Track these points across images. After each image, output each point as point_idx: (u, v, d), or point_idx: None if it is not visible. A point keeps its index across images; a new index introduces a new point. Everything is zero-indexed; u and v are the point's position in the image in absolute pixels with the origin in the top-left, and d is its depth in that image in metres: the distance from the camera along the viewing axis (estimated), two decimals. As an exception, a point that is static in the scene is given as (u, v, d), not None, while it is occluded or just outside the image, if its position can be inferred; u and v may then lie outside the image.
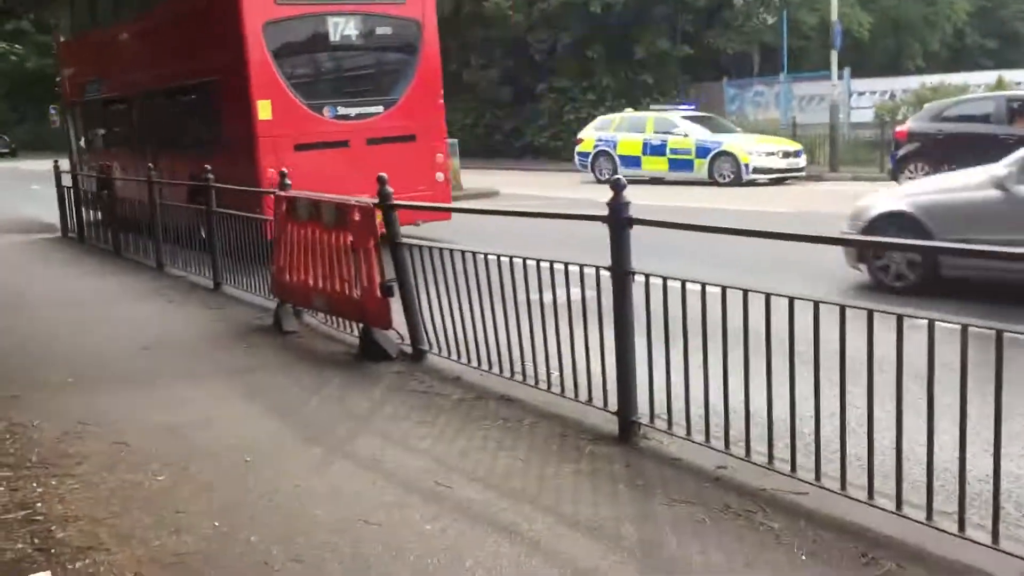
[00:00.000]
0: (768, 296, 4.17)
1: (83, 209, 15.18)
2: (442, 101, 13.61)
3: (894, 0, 34.29)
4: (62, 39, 19.66)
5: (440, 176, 13.12)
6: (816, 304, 3.96)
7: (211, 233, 9.97)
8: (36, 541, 4.04)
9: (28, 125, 59.76)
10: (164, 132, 14.52)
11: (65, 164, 15.47)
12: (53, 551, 3.94)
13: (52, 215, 16.88)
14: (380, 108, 12.87)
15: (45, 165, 22.18)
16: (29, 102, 60.92)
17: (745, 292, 4.29)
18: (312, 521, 4.15)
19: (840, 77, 25.50)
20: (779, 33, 30.27)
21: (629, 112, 25.59)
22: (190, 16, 13.19)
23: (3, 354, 7.63)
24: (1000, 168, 8.11)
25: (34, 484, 4.72)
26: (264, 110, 11.72)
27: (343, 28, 12.45)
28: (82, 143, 18.51)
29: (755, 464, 4.35)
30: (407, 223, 8.68)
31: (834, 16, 24.14)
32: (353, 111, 12.58)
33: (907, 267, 8.42)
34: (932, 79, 26.19)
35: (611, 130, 24.01)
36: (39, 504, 4.46)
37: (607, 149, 23.74)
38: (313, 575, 3.66)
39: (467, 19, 33.74)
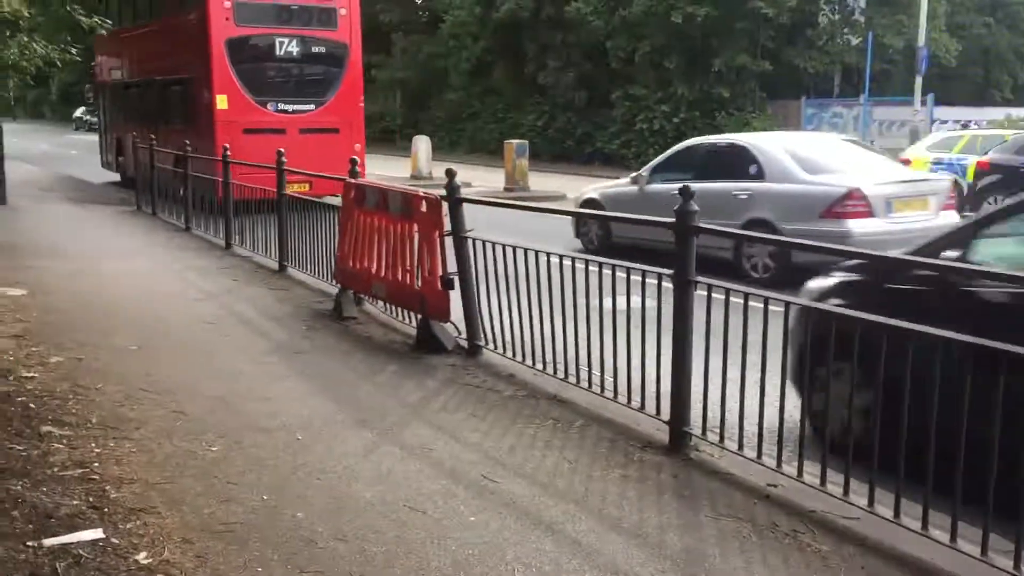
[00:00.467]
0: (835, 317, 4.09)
1: (155, 185, 15.60)
2: (362, 104, 17.81)
3: (985, 29, 33.44)
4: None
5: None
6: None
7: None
8: (91, 499, 4.16)
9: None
10: (161, 111, 18.72)
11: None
12: (106, 510, 4.04)
13: (128, 188, 17.33)
14: (312, 106, 17.13)
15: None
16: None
17: (805, 309, 4.22)
18: (358, 503, 4.19)
19: (923, 103, 24.93)
20: (863, 54, 29.70)
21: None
22: (178, 28, 17.65)
23: (74, 317, 7.86)
24: (640, 172, 12.23)
25: (92, 444, 4.85)
26: (221, 102, 16.18)
27: (287, 46, 16.88)
28: (107, 116, 23.56)
29: (806, 485, 4.28)
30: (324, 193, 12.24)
31: (921, 41, 23.65)
32: (291, 107, 16.90)
33: (595, 235, 12.44)
34: (1021, 112, 25.45)
35: None
36: (96, 464, 4.58)
37: None
38: (356, 555, 3.69)
39: (546, 22, 33.78)
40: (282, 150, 10.46)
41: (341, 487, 4.38)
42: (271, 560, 3.64)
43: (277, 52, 16.90)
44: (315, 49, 17.27)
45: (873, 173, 10.17)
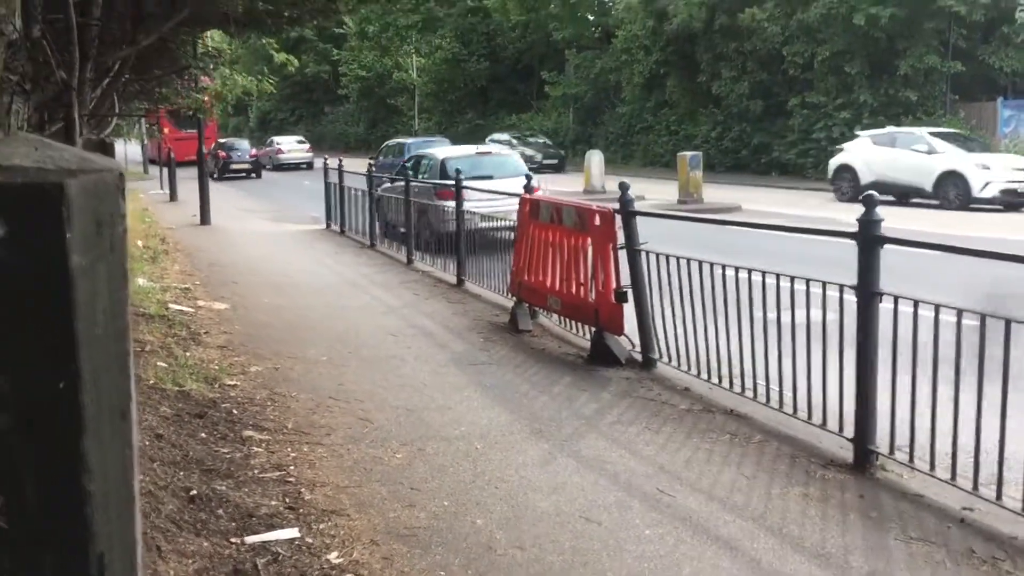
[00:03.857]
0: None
1: (343, 205, 16.42)
2: None
3: None
4: None
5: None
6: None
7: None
8: (287, 500, 4.44)
9: (303, 125, 65.30)
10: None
11: (333, 163, 16.90)
12: (301, 511, 4.31)
13: (319, 208, 18.36)
14: None
15: (316, 162, 23.94)
16: (306, 103, 66.63)
17: (1008, 322, 3.98)
18: (535, 512, 4.28)
19: None
20: (1069, 49, 27.46)
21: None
22: None
23: (270, 330, 8.41)
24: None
25: (288, 449, 5.17)
26: None
27: None
28: None
29: (1007, 509, 4.02)
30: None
31: None
32: None
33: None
34: None
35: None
36: (292, 467, 4.89)
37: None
38: (533, 563, 3.77)
39: (720, 31, 33.21)
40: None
41: (518, 496, 4.48)
42: (452, 564, 3.77)
43: None
44: None
45: (474, 172, 13.09)
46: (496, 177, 13.04)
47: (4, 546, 0.72)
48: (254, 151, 38.32)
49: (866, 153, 21.87)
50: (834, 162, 22.91)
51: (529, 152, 33.39)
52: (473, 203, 10.93)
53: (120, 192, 0.89)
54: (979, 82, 29.04)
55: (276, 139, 45.54)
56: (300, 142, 43.96)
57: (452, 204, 10.89)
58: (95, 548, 0.78)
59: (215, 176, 30.35)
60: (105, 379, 0.82)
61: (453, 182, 10.86)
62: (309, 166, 39.98)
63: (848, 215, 5.09)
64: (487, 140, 35.81)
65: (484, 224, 10.52)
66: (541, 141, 37.08)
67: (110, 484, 0.81)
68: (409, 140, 30.65)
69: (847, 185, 21.81)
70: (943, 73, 28.17)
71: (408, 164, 15.44)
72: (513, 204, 9.13)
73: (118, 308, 0.84)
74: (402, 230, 13.21)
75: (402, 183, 13.18)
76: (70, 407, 0.78)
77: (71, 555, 0.79)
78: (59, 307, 0.76)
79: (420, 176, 14.35)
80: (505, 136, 37.05)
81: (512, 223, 9.24)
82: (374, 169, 15.91)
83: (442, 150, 16.96)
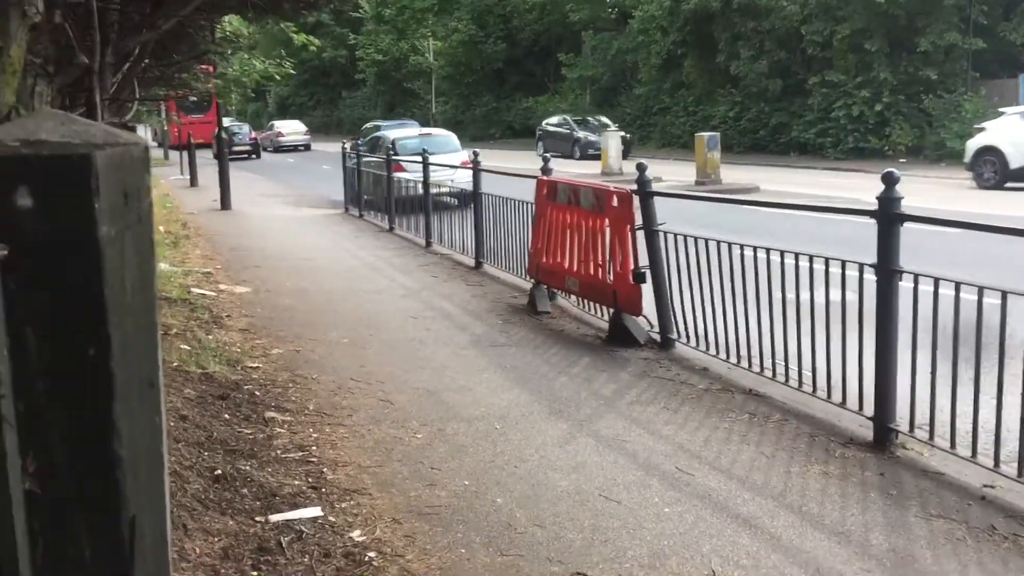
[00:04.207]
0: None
1: (362, 189, 16.49)
2: None
3: None
4: None
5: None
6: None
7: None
8: (310, 480, 4.48)
9: (321, 110, 65.35)
10: None
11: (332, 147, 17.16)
12: (323, 490, 4.35)
13: (338, 192, 18.41)
14: None
15: (335, 147, 24.02)
16: (323, 88, 66.65)
17: (1029, 299, 3.95)
18: (554, 490, 4.30)
19: None
20: (1093, 24, 27.05)
21: None
22: None
23: (292, 313, 8.46)
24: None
25: (310, 430, 5.22)
26: None
27: None
28: None
29: (1028, 486, 4.01)
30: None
31: None
32: None
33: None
34: None
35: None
36: (314, 448, 4.93)
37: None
38: (553, 541, 3.80)
39: (738, 10, 32.93)
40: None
41: (538, 475, 4.50)
42: (473, 542, 3.80)
43: None
44: None
45: (418, 149, 15.03)
46: (437, 153, 15.10)
47: (38, 510, 0.74)
48: (253, 134, 42.11)
49: (1015, 132, 19.01)
50: (973, 144, 19.94)
51: (590, 136, 32.97)
52: (414, 174, 13.69)
53: (145, 165, 0.90)
54: (1000, 59, 28.68)
55: (276, 123, 48.26)
56: (298, 127, 47.95)
57: (401, 175, 14.23)
58: (127, 511, 0.80)
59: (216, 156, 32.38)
60: (134, 348, 0.84)
61: (407, 157, 14.61)
62: (307, 148, 45.12)
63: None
64: (543, 124, 35.87)
65: (420, 190, 13.00)
66: (599, 122, 35.79)
67: (139, 450, 0.83)
68: (382, 123, 33.45)
69: (991, 170, 19.19)
70: (964, 50, 27.84)
71: (363, 143, 18.96)
72: (448, 174, 13.81)
73: (146, 279, 0.86)
74: (366, 197, 16.48)
75: (370, 159, 16.73)
76: (100, 374, 0.80)
77: (104, 518, 0.81)
78: (89, 276, 0.78)
79: (375, 154, 17.30)
80: (558, 119, 36.44)
81: (449, 189, 12.77)
82: (347, 149, 18.49)
83: (393, 132, 21.04)
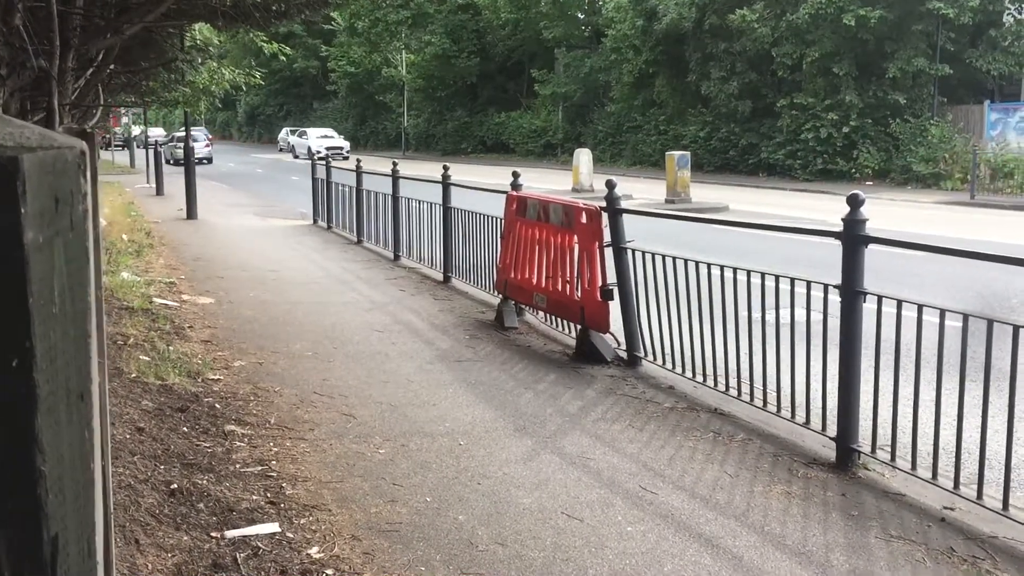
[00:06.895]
0: (1016, 329, 3.86)
1: (331, 200, 16.39)
2: None
3: None
4: None
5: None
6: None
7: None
8: (269, 495, 4.41)
9: (292, 119, 65.11)
10: None
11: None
12: (282, 505, 4.28)
13: (307, 204, 18.30)
14: None
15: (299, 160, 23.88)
16: (294, 99, 66.51)
17: (990, 323, 3.99)
18: (517, 508, 4.27)
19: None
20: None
21: None
22: None
23: (255, 325, 8.36)
24: None
25: (271, 444, 5.14)
26: None
27: None
28: None
29: (988, 508, 4.03)
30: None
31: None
32: None
33: None
34: None
35: None
36: (274, 462, 4.86)
37: None
38: (515, 559, 3.76)
39: (709, 32, 33.27)
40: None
41: (501, 492, 4.47)
42: (433, 560, 3.75)
43: None
44: None
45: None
46: None
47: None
48: (208, 140, 43.39)
49: None
50: None
51: None
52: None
53: (81, 169, 0.87)
54: (966, 85, 29.22)
55: (309, 131, 48.37)
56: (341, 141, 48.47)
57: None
58: (49, 529, 0.77)
59: (170, 162, 34.75)
60: (62, 359, 0.81)
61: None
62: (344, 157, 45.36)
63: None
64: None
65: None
66: None
67: (65, 466, 0.79)
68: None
69: None
70: (931, 75, 28.31)
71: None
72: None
73: (79, 288, 0.83)
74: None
75: None
76: (22, 385, 0.76)
77: (23, 535, 0.77)
78: (12, 283, 0.75)
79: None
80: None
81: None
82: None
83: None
